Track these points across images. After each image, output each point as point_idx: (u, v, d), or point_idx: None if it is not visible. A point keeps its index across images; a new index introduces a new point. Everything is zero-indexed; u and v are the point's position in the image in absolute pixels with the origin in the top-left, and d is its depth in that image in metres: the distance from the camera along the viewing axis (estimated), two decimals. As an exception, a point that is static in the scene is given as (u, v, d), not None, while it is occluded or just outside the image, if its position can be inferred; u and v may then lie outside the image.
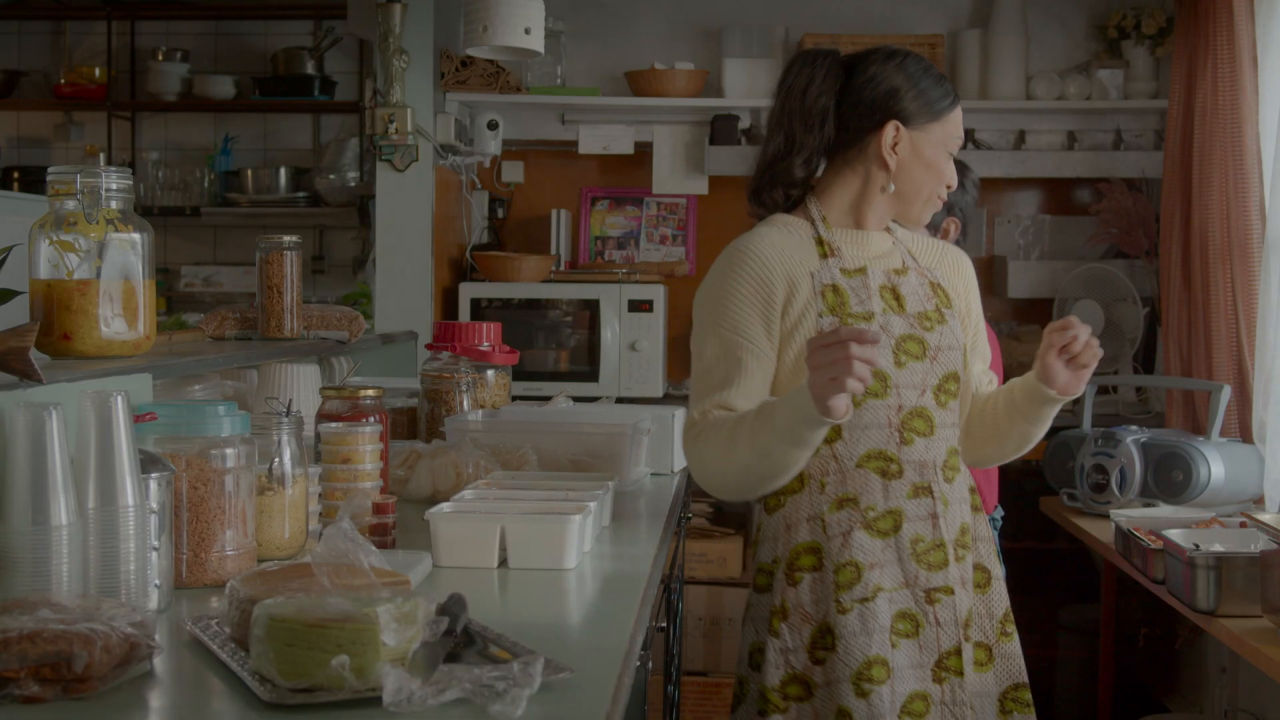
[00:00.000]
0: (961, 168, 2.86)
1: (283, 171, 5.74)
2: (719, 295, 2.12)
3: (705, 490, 2.17)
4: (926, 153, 2.15)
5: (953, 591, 2.12)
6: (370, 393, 2.34)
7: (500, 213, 4.95)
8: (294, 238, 2.88)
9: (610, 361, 4.42)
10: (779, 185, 2.19)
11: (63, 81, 5.83)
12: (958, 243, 2.98)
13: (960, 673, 2.11)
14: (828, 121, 2.15)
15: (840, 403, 1.88)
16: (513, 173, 4.96)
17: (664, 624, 2.57)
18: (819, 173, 2.21)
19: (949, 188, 2.21)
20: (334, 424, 2.28)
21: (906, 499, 2.11)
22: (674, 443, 3.03)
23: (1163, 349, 4.07)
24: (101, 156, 5.75)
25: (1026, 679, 2.20)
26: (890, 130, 2.13)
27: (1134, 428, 3.57)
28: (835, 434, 2.08)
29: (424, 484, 2.58)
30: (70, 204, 1.94)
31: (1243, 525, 2.97)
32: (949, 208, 2.93)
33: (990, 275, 4.77)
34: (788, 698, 2.09)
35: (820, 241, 2.15)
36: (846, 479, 2.10)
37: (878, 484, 2.10)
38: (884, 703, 2.04)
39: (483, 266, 4.59)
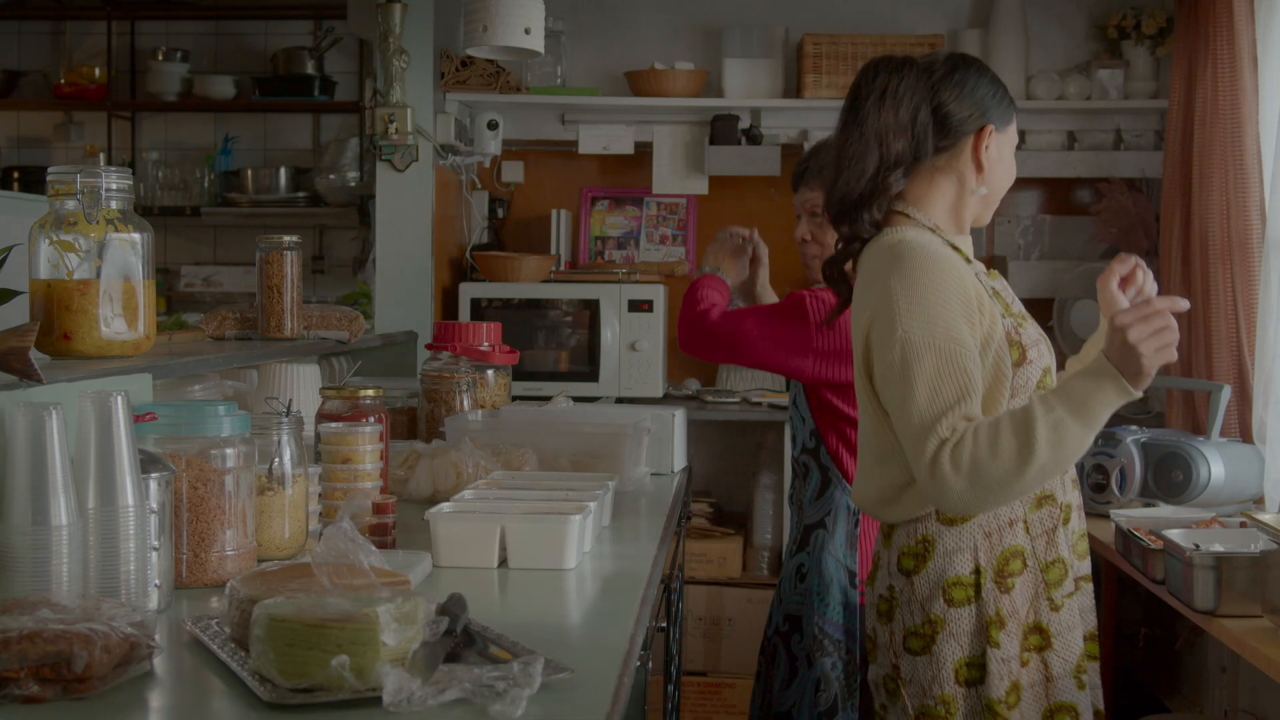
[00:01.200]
0: None
1: (283, 171, 5.73)
2: (925, 304, 1.99)
3: (962, 510, 1.99)
4: (1006, 153, 2.19)
5: (1090, 579, 2.17)
6: (370, 393, 2.34)
7: (500, 213, 4.95)
8: (294, 238, 2.88)
9: (610, 361, 4.42)
10: (875, 202, 2.12)
11: (63, 81, 5.83)
12: None
13: (1097, 657, 2.16)
14: (930, 132, 2.12)
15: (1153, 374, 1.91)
16: (513, 173, 4.96)
17: (664, 624, 2.57)
18: None
19: None
20: (334, 424, 2.28)
21: (1072, 490, 2.15)
22: (674, 442, 3.03)
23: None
24: (101, 156, 5.74)
25: None
26: (986, 134, 2.14)
27: (1134, 428, 3.56)
28: None
29: (424, 484, 2.58)
30: (70, 204, 1.95)
31: (1243, 525, 2.97)
32: None
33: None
34: (1009, 706, 2.06)
35: (955, 249, 2.12)
36: None
37: (1058, 478, 2.11)
38: (1093, 690, 2.12)
39: (483, 266, 4.58)
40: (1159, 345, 1.87)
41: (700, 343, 2.77)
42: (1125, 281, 2.10)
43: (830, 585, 2.66)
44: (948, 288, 2.00)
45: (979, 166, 2.15)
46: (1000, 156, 2.18)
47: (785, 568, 2.83)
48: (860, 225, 2.13)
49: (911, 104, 2.11)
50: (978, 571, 2.06)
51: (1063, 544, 2.11)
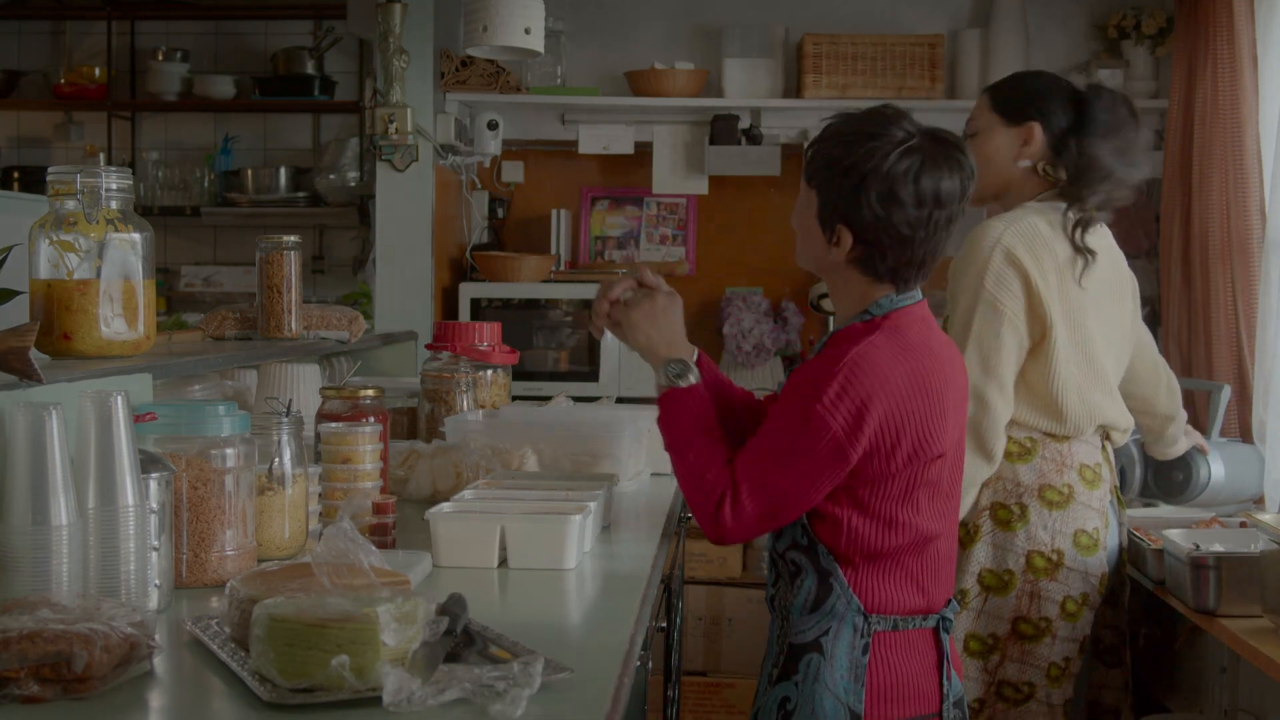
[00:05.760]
0: None
1: (283, 171, 5.73)
2: None
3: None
4: None
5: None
6: (370, 393, 2.34)
7: (500, 213, 4.95)
8: (294, 238, 2.88)
9: (610, 361, 4.42)
10: None
11: (63, 81, 5.83)
12: None
13: None
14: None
15: None
16: (513, 173, 4.96)
17: (664, 624, 2.57)
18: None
19: None
20: (334, 424, 2.28)
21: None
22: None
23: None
24: (101, 156, 5.74)
25: None
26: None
27: (1134, 428, 3.56)
28: None
29: (424, 484, 2.58)
30: (70, 204, 1.95)
31: (1243, 525, 2.97)
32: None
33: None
34: None
35: None
36: None
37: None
38: None
39: (483, 266, 4.59)
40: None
41: (743, 537, 1.96)
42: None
43: None
44: None
45: None
46: None
47: (762, 699, 2.06)
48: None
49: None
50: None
51: None
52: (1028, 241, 2.58)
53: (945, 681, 2.00)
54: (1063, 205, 2.68)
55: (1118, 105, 2.64)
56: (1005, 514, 2.63)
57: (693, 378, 2.02)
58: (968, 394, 2.11)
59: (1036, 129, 2.66)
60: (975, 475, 2.57)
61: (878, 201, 1.92)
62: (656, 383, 2.05)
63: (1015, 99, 2.69)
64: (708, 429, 2.01)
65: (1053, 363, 2.59)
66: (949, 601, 2.04)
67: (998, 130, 2.69)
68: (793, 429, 1.91)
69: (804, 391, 1.91)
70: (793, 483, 1.91)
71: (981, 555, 2.62)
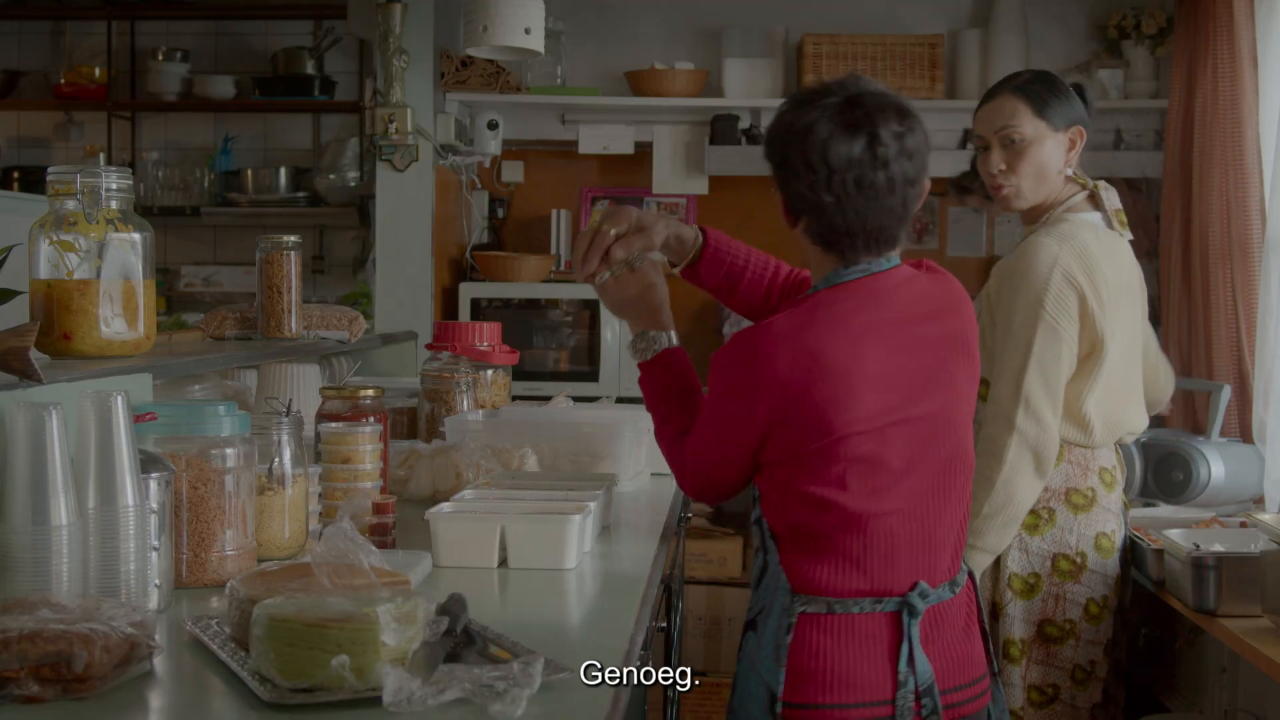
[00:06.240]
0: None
1: (283, 171, 5.73)
2: None
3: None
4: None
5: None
6: (370, 393, 2.34)
7: (500, 213, 4.95)
8: (294, 238, 2.88)
9: (610, 361, 4.42)
10: None
11: (63, 81, 5.83)
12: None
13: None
14: None
15: None
16: (513, 173, 4.96)
17: (664, 624, 2.57)
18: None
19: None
20: (334, 424, 2.28)
21: None
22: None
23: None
24: (101, 156, 5.74)
25: None
26: None
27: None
28: None
29: (424, 484, 2.58)
30: (70, 204, 1.94)
31: (1243, 525, 2.97)
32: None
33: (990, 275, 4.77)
34: None
35: None
36: None
37: None
38: None
39: (483, 266, 4.59)
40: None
41: (702, 499, 2.12)
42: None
43: (748, 705, 1.95)
44: None
45: None
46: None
47: None
48: None
49: None
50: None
51: None
52: (1083, 263, 2.55)
53: (906, 668, 1.88)
54: (1098, 216, 2.64)
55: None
56: (1033, 518, 2.64)
57: (663, 343, 2.11)
58: (934, 373, 1.94)
59: (1083, 132, 2.62)
60: (1030, 496, 2.57)
61: (778, 164, 1.94)
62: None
63: (1058, 101, 2.60)
64: (675, 396, 2.09)
65: (1089, 383, 2.60)
66: (915, 585, 1.90)
67: (1048, 137, 2.60)
68: (707, 405, 2.00)
69: (714, 368, 1.97)
70: (711, 456, 1.99)
71: (1011, 561, 2.64)
